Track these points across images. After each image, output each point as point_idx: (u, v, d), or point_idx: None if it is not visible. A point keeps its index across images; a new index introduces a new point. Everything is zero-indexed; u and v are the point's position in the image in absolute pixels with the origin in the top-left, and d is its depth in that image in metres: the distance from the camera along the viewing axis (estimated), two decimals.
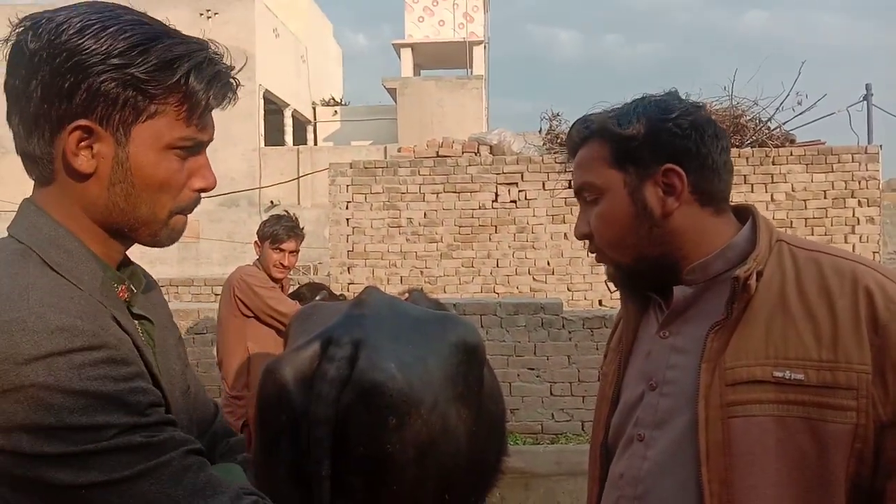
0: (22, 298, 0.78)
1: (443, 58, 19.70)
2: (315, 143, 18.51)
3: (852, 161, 7.40)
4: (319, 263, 12.37)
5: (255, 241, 3.48)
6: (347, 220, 7.94)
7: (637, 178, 1.08)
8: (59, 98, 0.82)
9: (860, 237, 7.33)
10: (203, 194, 0.95)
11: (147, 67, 0.83)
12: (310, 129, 19.42)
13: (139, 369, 0.84)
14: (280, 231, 3.34)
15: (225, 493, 0.84)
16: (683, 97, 1.14)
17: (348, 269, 7.94)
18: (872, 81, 10.20)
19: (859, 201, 7.39)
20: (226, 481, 0.87)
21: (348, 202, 7.93)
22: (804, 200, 7.41)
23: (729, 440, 0.98)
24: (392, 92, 16.99)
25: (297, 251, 3.38)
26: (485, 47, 19.22)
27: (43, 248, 0.85)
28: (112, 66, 0.82)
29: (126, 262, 0.97)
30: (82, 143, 0.84)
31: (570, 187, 8.30)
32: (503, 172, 7.74)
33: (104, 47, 0.82)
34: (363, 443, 1.90)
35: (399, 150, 9.07)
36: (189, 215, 0.95)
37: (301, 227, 3.44)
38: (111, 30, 0.83)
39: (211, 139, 0.92)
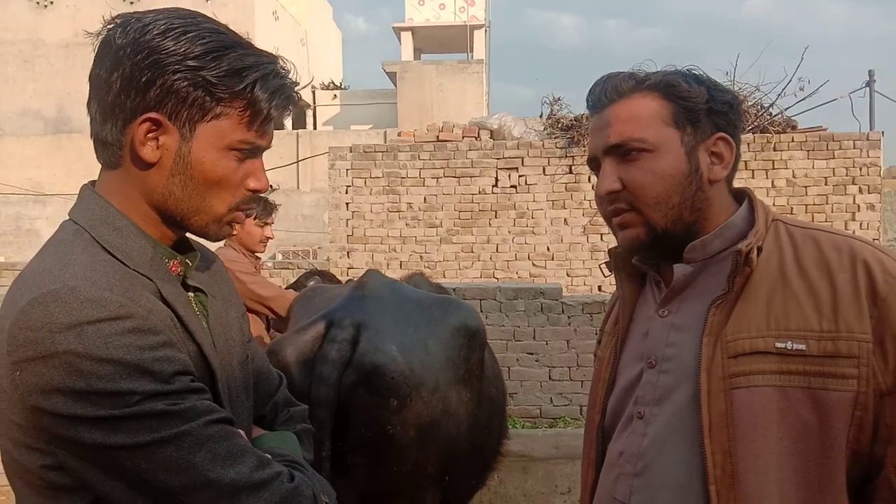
0: (60, 273, 0.87)
1: (443, 42, 19.57)
2: (314, 128, 18.43)
3: (854, 147, 7.39)
4: (319, 248, 12.38)
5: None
6: (347, 204, 7.93)
7: (694, 140, 1.09)
8: (136, 91, 0.91)
9: (860, 224, 7.33)
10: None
11: (218, 72, 0.91)
12: (309, 113, 19.34)
13: (167, 338, 0.89)
14: (262, 208, 3.44)
15: (248, 461, 0.90)
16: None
17: (348, 253, 7.94)
18: (875, 68, 10.14)
19: (860, 188, 7.38)
20: (252, 449, 0.92)
21: (348, 186, 7.91)
22: (805, 187, 7.41)
23: (732, 411, 1.00)
24: (392, 76, 16.90)
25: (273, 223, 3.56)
26: (485, 31, 19.09)
27: (94, 227, 0.94)
28: (187, 67, 0.90)
29: (189, 248, 1.05)
30: (150, 134, 0.92)
31: (570, 172, 8.24)
32: (503, 157, 7.72)
33: (182, 49, 0.90)
34: (364, 424, 1.92)
35: (399, 135, 9.04)
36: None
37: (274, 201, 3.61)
38: (191, 34, 0.91)
39: (269, 146, 1.00)
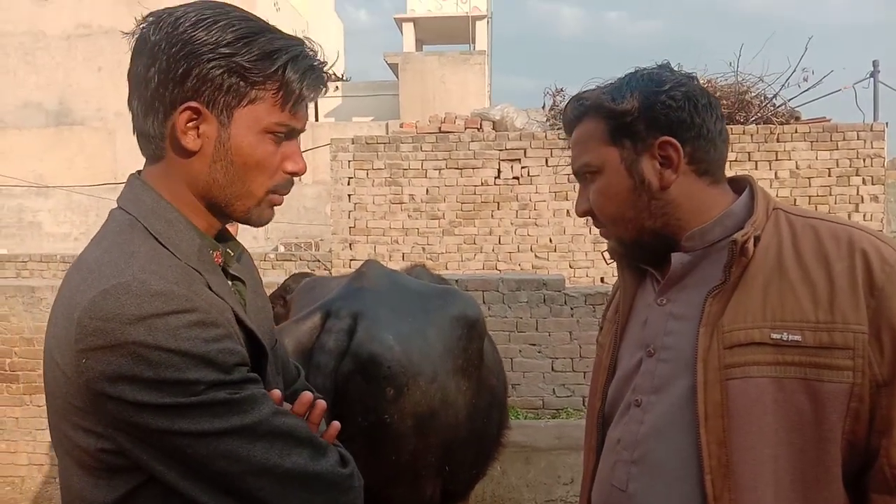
0: (127, 265, 0.90)
1: (445, 33, 19.50)
2: (316, 119, 18.38)
3: (857, 138, 7.34)
4: (321, 240, 12.37)
5: None
6: (349, 196, 7.91)
7: (633, 152, 1.09)
8: (174, 82, 0.93)
9: (864, 215, 7.29)
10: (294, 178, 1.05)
11: (250, 57, 0.94)
12: (311, 104, 19.31)
13: (227, 331, 0.93)
14: None
15: (305, 449, 0.94)
16: (675, 68, 1.14)
17: (350, 245, 7.93)
18: (880, 58, 10.05)
19: (864, 179, 7.34)
20: (309, 436, 0.96)
21: (350, 178, 7.90)
22: (808, 178, 7.37)
23: (727, 402, 1.00)
24: (394, 67, 16.85)
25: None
26: (487, 22, 19.02)
27: (147, 219, 0.96)
28: (220, 54, 0.93)
29: (227, 238, 1.09)
30: (190, 124, 0.95)
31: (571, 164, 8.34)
32: (506, 149, 7.69)
33: (214, 38, 0.93)
34: (361, 413, 1.91)
35: (401, 126, 9.02)
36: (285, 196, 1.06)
37: None
38: (221, 23, 0.94)
39: (303, 128, 1.03)
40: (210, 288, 0.96)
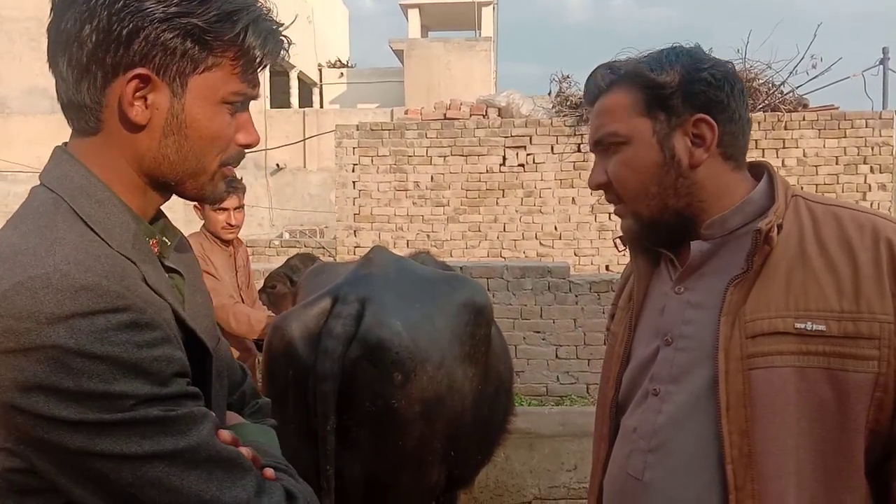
0: (48, 254, 0.76)
1: (451, 19, 19.39)
2: (321, 106, 18.35)
3: (866, 126, 7.30)
4: (326, 227, 12.38)
5: (196, 206, 3.09)
6: (354, 182, 7.91)
7: (667, 126, 1.06)
8: (116, 44, 0.80)
9: (871, 204, 7.26)
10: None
11: (207, 18, 0.82)
12: (316, 91, 19.25)
13: (164, 334, 0.80)
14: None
15: (248, 483, 0.81)
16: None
17: (354, 232, 7.94)
18: (890, 46, 9.97)
19: (871, 167, 7.31)
20: (253, 470, 0.84)
21: (354, 165, 7.89)
22: (815, 166, 7.34)
23: (750, 392, 0.98)
24: (399, 54, 16.77)
25: (241, 206, 3.14)
26: (493, 8, 18.90)
27: (74, 198, 0.83)
28: (173, 13, 0.80)
29: (158, 216, 0.95)
30: (138, 93, 0.82)
31: (579, 151, 8.20)
32: (511, 136, 7.67)
33: None
34: (369, 398, 1.92)
35: (406, 113, 8.99)
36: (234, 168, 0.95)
37: (239, 177, 3.16)
38: None
39: (258, 96, 0.92)
40: (146, 282, 0.83)
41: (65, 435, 0.73)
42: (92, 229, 0.82)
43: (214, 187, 0.91)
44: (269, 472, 0.87)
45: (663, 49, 1.10)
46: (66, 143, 0.88)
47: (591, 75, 1.14)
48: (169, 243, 0.94)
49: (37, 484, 0.77)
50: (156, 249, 0.90)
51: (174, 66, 0.82)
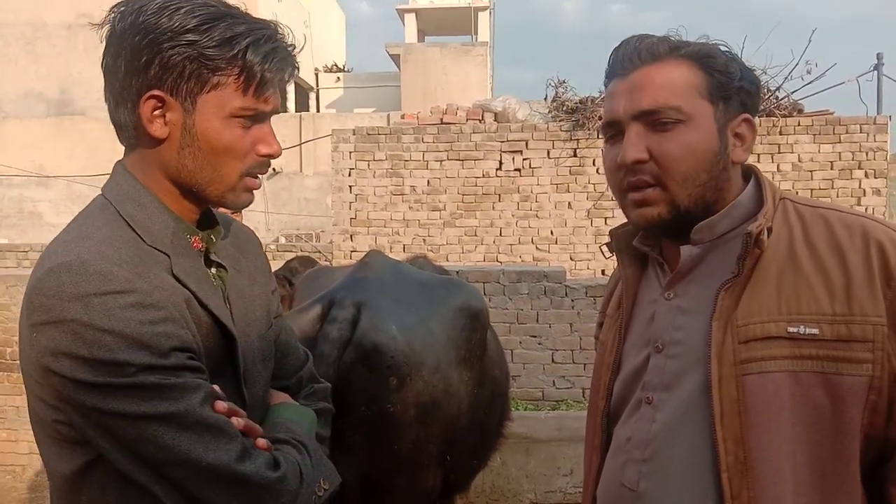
0: (77, 246, 0.92)
1: (447, 24, 19.42)
2: (317, 110, 18.35)
3: (860, 132, 7.32)
4: (322, 231, 12.37)
5: None
6: (350, 187, 7.90)
7: (725, 117, 1.04)
8: (138, 71, 0.95)
9: (866, 209, 7.28)
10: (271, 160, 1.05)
11: (210, 42, 0.95)
12: (312, 95, 19.25)
13: (169, 314, 0.92)
14: None
15: (231, 448, 0.93)
16: None
17: (351, 236, 7.93)
18: (885, 51, 10.00)
19: (866, 173, 7.32)
20: (239, 437, 0.95)
21: (351, 169, 7.88)
22: (810, 171, 7.35)
23: (744, 398, 0.97)
24: (395, 58, 16.79)
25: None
26: (490, 13, 18.94)
27: (120, 202, 0.99)
28: (180, 42, 0.94)
29: (212, 223, 1.09)
30: (156, 112, 0.96)
31: (575, 155, 8.16)
32: (507, 140, 7.68)
33: (175, 25, 0.94)
34: (364, 402, 1.91)
35: (402, 117, 8.99)
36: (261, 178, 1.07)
37: None
38: (183, 10, 0.95)
39: (275, 110, 1.03)
40: (172, 271, 0.97)
41: (84, 395, 0.88)
42: (132, 227, 0.97)
43: (237, 196, 1.03)
44: (262, 442, 0.99)
45: (705, 42, 1.06)
46: (121, 160, 1.04)
47: (637, 40, 1.05)
48: (214, 240, 1.07)
49: (77, 436, 0.93)
50: (199, 246, 1.04)
51: (184, 87, 0.96)
